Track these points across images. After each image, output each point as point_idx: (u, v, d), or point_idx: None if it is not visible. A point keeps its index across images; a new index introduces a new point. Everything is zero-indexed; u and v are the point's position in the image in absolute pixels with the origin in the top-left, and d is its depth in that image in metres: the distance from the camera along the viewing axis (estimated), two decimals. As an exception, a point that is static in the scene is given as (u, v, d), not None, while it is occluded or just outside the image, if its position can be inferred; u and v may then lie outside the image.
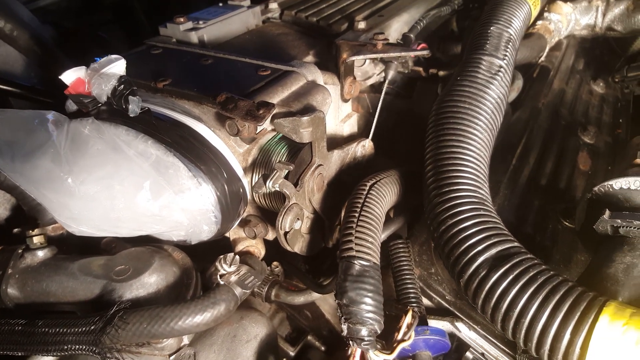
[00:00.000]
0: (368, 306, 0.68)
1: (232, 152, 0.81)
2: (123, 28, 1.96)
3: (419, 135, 0.92)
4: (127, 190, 0.73)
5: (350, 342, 0.68)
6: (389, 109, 1.12)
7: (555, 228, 0.98)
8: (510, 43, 1.00)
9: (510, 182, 1.05)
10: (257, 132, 0.78)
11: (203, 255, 0.87)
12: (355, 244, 0.72)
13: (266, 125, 0.79)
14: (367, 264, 0.71)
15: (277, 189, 0.75)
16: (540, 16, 1.58)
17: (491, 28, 1.02)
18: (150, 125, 0.76)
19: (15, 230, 0.92)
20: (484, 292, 0.65)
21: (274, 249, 0.97)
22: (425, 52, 0.98)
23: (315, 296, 0.94)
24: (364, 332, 0.67)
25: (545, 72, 1.49)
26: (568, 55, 1.64)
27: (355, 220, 0.75)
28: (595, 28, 1.69)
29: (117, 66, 0.79)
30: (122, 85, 0.77)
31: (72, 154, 0.74)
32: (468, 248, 0.68)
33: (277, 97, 0.84)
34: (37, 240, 0.85)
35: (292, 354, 1.07)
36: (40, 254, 0.85)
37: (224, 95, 0.76)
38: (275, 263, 0.99)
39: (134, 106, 0.76)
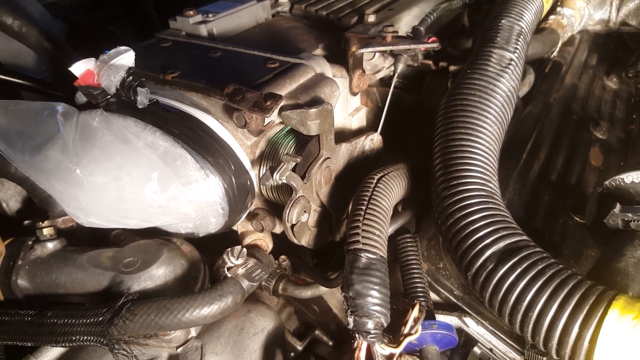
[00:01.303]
0: (374, 299, 0.67)
1: (240, 144, 0.81)
2: (133, 23, 1.97)
3: (428, 129, 0.91)
4: (135, 182, 0.73)
5: (357, 335, 0.68)
6: (398, 102, 1.11)
7: (565, 223, 0.97)
8: (522, 36, 0.99)
9: (520, 176, 1.04)
10: (265, 124, 0.78)
11: (212, 249, 0.88)
12: (362, 236, 0.72)
13: (274, 117, 0.79)
14: (374, 256, 0.70)
15: (284, 181, 0.75)
16: (553, 11, 1.57)
17: (502, 21, 1.01)
18: (158, 117, 0.77)
19: (26, 222, 0.93)
20: (491, 286, 0.65)
21: (282, 243, 0.97)
22: (434, 45, 0.97)
23: (322, 290, 0.94)
24: (370, 325, 0.67)
25: (557, 67, 1.47)
26: (581, 50, 1.62)
27: (363, 213, 0.75)
28: (609, 23, 1.66)
29: (126, 58, 0.79)
30: (131, 77, 0.77)
31: (80, 146, 0.75)
32: (476, 241, 0.68)
33: (285, 89, 0.84)
34: (47, 232, 0.86)
35: (299, 348, 1.07)
36: (50, 245, 0.85)
37: (231, 87, 0.76)
38: (282, 257, 0.99)
39: (143, 98, 0.76)
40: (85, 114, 0.77)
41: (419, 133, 0.98)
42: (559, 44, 1.51)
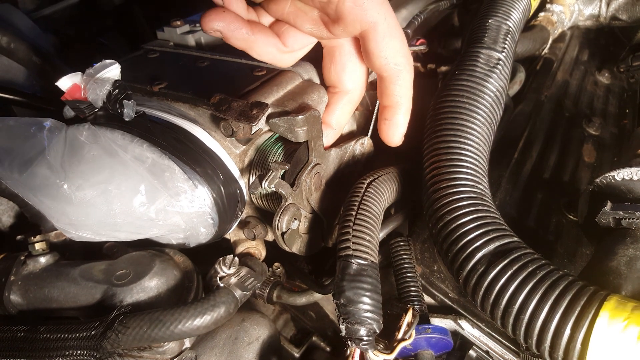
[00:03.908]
0: (366, 305, 0.67)
1: (228, 153, 0.80)
2: (125, 34, 1.97)
3: (418, 132, 0.91)
4: (124, 195, 0.73)
5: (349, 342, 0.67)
6: (388, 106, 1.10)
7: (559, 222, 0.97)
8: (509, 35, 0.99)
9: (512, 176, 1.03)
10: (253, 132, 0.78)
11: (207, 258, 0.87)
12: (353, 242, 0.71)
13: (261, 125, 0.79)
14: (365, 262, 0.70)
15: (273, 189, 0.75)
16: (542, 7, 1.57)
17: (489, 21, 1.00)
18: (145, 129, 0.76)
19: (18, 237, 0.92)
20: (482, 289, 0.64)
21: (276, 250, 0.97)
22: (422, 48, 0.97)
23: (317, 296, 0.93)
24: (362, 332, 0.66)
25: (548, 64, 1.47)
26: (572, 46, 1.62)
27: (353, 218, 0.74)
28: (600, 18, 1.66)
29: (112, 71, 0.79)
30: (117, 90, 0.77)
31: (68, 160, 0.74)
32: (466, 244, 0.67)
33: (272, 96, 0.83)
34: (39, 246, 0.85)
35: (297, 355, 1.07)
36: (43, 260, 0.85)
37: (217, 96, 0.76)
38: (276, 264, 0.99)
39: (129, 110, 0.76)
40: (73, 128, 0.77)
41: (410, 135, 0.98)
42: (550, 41, 1.51)
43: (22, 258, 0.85)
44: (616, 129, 1.30)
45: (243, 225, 0.89)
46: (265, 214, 0.92)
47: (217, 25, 0.76)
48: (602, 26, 1.68)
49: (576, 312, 0.56)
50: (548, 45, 1.52)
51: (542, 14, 1.55)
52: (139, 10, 1.95)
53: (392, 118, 0.84)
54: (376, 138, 1.00)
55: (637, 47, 1.53)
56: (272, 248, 0.96)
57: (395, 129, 0.85)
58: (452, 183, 0.75)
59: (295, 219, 0.80)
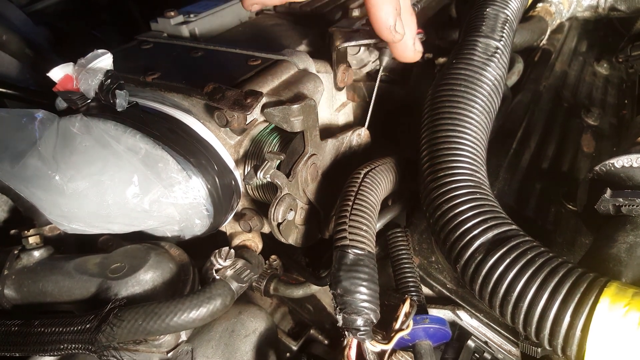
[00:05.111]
0: (363, 295, 0.66)
1: (223, 143, 0.79)
2: (119, 28, 1.96)
3: (416, 122, 0.90)
4: (117, 186, 0.72)
5: (346, 332, 0.67)
6: (385, 96, 1.09)
7: (558, 211, 0.96)
8: (507, 24, 0.98)
9: (510, 166, 1.02)
10: (247, 122, 0.76)
11: (203, 251, 0.86)
12: (349, 232, 0.71)
13: (256, 115, 0.78)
14: (362, 252, 0.69)
15: (269, 179, 0.74)
16: (540, -2, 1.56)
17: (487, 10, 0.99)
18: (138, 119, 0.75)
19: (12, 231, 0.91)
20: (480, 277, 0.63)
21: (272, 242, 0.96)
22: (419, 37, 0.96)
23: (314, 289, 0.92)
24: (359, 322, 0.66)
25: (546, 55, 1.46)
26: (570, 37, 1.61)
27: (349, 209, 0.74)
28: (598, 9, 1.65)
29: (104, 61, 0.78)
30: (109, 80, 0.76)
31: (60, 152, 0.73)
32: (464, 232, 0.66)
33: (266, 86, 0.82)
34: (32, 240, 0.84)
35: (294, 348, 1.06)
36: (36, 254, 0.84)
37: (211, 85, 0.75)
38: (273, 256, 0.98)
39: (121, 100, 0.75)
40: (65, 119, 0.76)
41: (408, 126, 0.97)
42: (548, 32, 1.50)
43: (16, 252, 0.84)
44: (615, 120, 1.29)
45: (239, 217, 0.88)
46: (261, 206, 0.91)
47: None
48: (601, 17, 1.67)
49: (576, 299, 0.55)
50: (546, 36, 1.51)
51: (540, 4, 1.54)
52: (134, 5, 1.94)
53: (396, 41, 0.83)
54: (373, 128, 0.99)
55: (635, 38, 1.52)
56: (269, 240, 0.95)
57: (405, 49, 0.87)
58: (450, 172, 0.74)
59: (291, 209, 0.79)
